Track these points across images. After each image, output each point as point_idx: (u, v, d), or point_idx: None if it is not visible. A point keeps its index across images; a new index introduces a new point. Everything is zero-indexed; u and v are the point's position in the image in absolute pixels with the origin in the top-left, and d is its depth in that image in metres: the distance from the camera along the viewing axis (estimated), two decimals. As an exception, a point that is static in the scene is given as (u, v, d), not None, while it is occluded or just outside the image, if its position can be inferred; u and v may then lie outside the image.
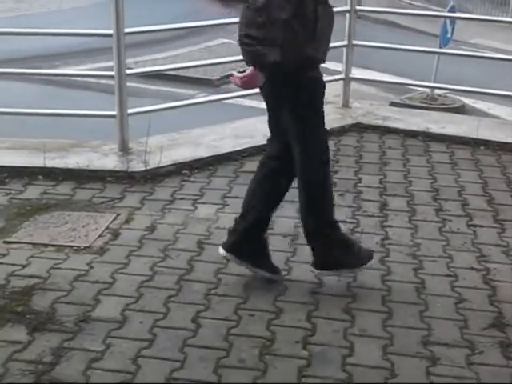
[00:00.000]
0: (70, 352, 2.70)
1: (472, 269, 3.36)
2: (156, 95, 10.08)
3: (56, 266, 3.32)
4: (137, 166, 4.40)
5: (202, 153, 4.64)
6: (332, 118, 5.31)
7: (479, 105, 10.61)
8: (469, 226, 3.79)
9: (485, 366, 2.68)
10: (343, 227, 3.70)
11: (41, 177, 4.30)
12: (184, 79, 11.05)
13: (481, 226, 3.78)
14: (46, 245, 3.52)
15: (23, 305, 2.99)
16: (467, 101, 10.67)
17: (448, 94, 10.71)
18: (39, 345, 2.74)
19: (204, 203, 4.01)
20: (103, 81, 10.01)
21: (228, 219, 3.79)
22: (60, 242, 3.55)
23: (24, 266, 3.31)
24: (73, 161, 4.47)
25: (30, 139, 4.89)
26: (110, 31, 4.42)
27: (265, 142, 4.80)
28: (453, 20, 9.94)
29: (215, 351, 2.73)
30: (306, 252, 3.45)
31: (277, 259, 3.38)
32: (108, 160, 4.51)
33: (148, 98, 8.86)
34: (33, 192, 4.12)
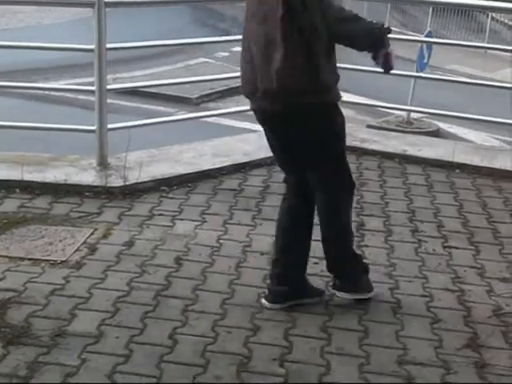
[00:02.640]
0: (45, 366, 2.68)
1: (447, 290, 3.40)
2: (135, 112, 10.09)
3: (32, 280, 3.29)
4: (115, 182, 4.39)
5: (181, 169, 4.64)
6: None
7: (454, 129, 10.79)
8: (444, 247, 3.84)
9: (459, 386, 2.70)
10: (321, 247, 3.73)
11: (18, 190, 4.27)
12: (163, 97, 11.09)
13: (456, 248, 3.83)
14: (22, 258, 3.49)
15: (-2, 318, 2.96)
16: (442, 125, 10.85)
17: (424, 119, 10.88)
18: (14, 358, 2.71)
19: (182, 219, 4.01)
20: (82, 96, 10.01)
21: (206, 236, 3.81)
22: (36, 256, 3.52)
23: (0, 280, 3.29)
24: (51, 175, 4.44)
25: (8, 152, 4.86)
26: (92, 46, 4.43)
27: (244, 160, 4.88)
28: (429, 46, 10.12)
29: (192, 368, 2.72)
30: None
31: (254, 276, 3.40)
32: (86, 175, 4.50)
33: (127, 115, 8.87)
34: (10, 205, 4.09)
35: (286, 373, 2.72)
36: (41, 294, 3.16)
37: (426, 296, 3.32)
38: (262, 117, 3.09)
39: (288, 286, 3.15)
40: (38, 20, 17.72)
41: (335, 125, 3.07)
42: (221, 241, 3.77)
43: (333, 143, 3.09)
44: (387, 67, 3.03)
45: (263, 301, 3.18)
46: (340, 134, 3.11)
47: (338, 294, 3.24)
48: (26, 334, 2.86)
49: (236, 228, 3.92)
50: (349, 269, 3.25)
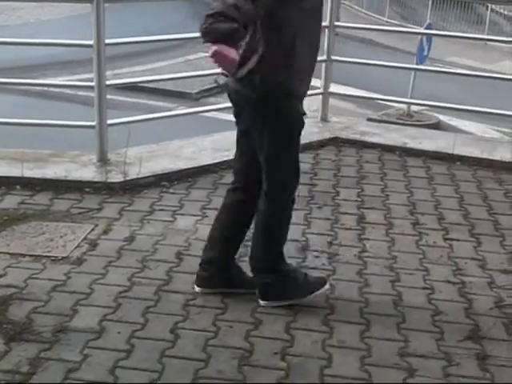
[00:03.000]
0: (47, 362, 2.68)
1: (448, 282, 3.40)
2: (135, 108, 10.09)
3: (33, 276, 3.29)
4: (115, 177, 4.39)
5: (181, 165, 4.64)
6: (311, 131, 5.34)
7: (454, 122, 10.78)
8: (445, 239, 3.83)
9: (461, 378, 2.70)
10: (322, 240, 3.74)
11: (18, 187, 4.27)
12: (163, 92, 11.09)
13: (457, 240, 3.82)
14: (23, 255, 3.49)
15: (0, 314, 2.95)
16: (443, 118, 10.84)
17: (424, 111, 10.87)
18: (16, 355, 2.71)
19: (183, 214, 4.01)
20: (82, 93, 10.01)
21: (207, 230, 3.77)
22: (37, 252, 3.52)
23: (1, 276, 3.28)
24: (51, 171, 4.45)
25: (8, 149, 4.86)
26: (91, 41, 4.42)
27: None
28: (429, 38, 10.11)
29: (193, 362, 2.72)
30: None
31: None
32: (87, 170, 4.50)
33: (127, 111, 8.86)
34: (10, 202, 4.09)
35: (288, 366, 2.72)
36: (42, 290, 3.17)
37: (427, 288, 3.32)
38: None
39: (212, 270, 3.18)
40: (37, 16, 17.71)
41: None
42: (221, 235, 3.76)
43: None
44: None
45: (195, 286, 3.22)
46: None
47: None
48: (27, 331, 2.86)
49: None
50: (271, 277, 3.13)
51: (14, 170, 4.39)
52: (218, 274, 3.19)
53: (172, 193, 4.31)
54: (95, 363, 2.69)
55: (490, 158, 4.98)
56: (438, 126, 10.33)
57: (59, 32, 12.48)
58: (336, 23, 5.60)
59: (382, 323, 3.03)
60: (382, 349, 2.85)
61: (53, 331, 2.86)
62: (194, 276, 3.31)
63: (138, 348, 2.79)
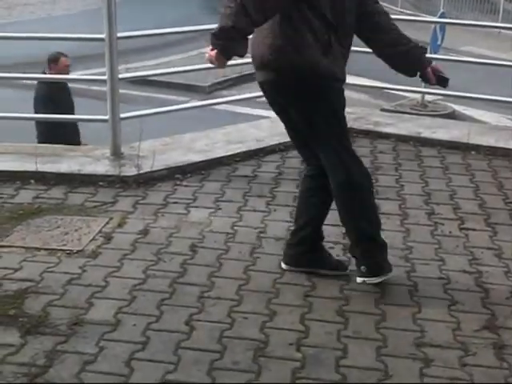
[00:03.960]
0: (63, 355, 2.69)
1: (464, 272, 3.37)
2: (147, 102, 10.10)
3: (49, 270, 3.30)
4: (129, 171, 4.39)
5: (195, 157, 4.64)
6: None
7: (469, 111, 10.70)
8: (461, 229, 3.81)
9: (478, 368, 2.68)
10: (336, 231, 3.73)
11: (33, 181, 4.29)
12: (175, 86, 11.10)
13: (473, 230, 3.80)
14: (38, 248, 3.51)
15: (16, 308, 2.97)
16: (457, 107, 10.76)
17: (438, 101, 10.80)
18: (32, 348, 2.72)
19: (197, 207, 4.01)
20: (95, 87, 10.03)
21: (221, 223, 3.81)
22: (52, 246, 3.54)
23: (16, 270, 3.30)
24: (65, 165, 4.46)
25: (22, 144, 4.89)
26: (103, 35, 4.42)
27: (257, 147, 4.87)
28: (442, 27, 10.03)
29: (209, 353, 2.72)
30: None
31: (269, 262, 3.40)
32: (100, 164, 4.51)
33: (139, 105, 8.88)
34: (25, 196, 4.11)
35: (303, 357, 2.71)
36: (58, 284, 3.18)
37: (442, 278, 3.30)
38: None
39: (298, 249, 3.30)
40: (49, 12, 17.76)
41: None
42: (235, 227, 3.76)
43: None
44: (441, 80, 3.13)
45: (281, 263, 3.35)
46: None
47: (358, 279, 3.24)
48: (43, 324, 2.87)
49: (250, 214, 3.91)
50: (364, 253, 3.22)
51: (28, 165, 4.40)
52: (306, 253, 3.29)
53: (185, 185, 4.31)
54: (111, 355, 2.70)
55: (506, 146, 4.94)
56: (452, 115, 10.26)
57: (72, 27, 12.51)
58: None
59: (398, 313, 3.02)
60: (398, 339, 2.84)
61: (68, 324, 2.87)
62: (208, 268, 3.31)
63: (153, 340, 2.80)
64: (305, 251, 3.30)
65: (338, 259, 3.41)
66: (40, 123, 6.01)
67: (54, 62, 6.42)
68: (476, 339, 2.85)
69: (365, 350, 2.76)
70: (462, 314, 3.02)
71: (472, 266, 3.42)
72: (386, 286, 3.21)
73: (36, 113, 6.08)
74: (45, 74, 6.46)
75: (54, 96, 6.12)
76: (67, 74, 6.41)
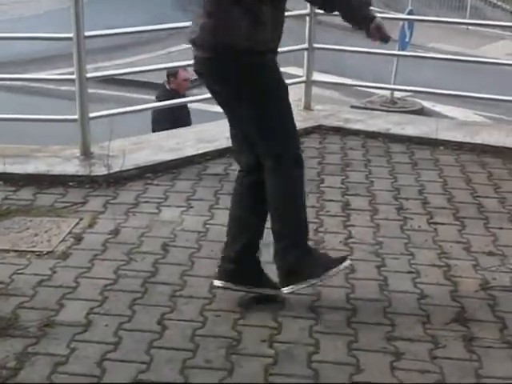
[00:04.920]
0: (35, 357, 2.67)
1: (433, 265, 3.42)
2: (117, 101, 10.04)
3: (18, 272, 3.27)
4: (99, 170, 4.37)
5: (165, 156, 4.63)
6: (294, 120, 5.33)
7: (438, 108, 10.83)
8: (430, 223, 3.85)
9: (448, 360, 2.72)
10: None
11: (1, 182, 4.24)
12: (146, 85, 11.02)
13: (441, 224, 3.84)
14: (7, 250, 3.47)
15: (-15, 311, 2.94)
16: (426, 104, 10.88)
17: (407, 98, 10.90)
18: (2, 350, 2.70)
19: (168, 206, 4.00)
20: (64, 87, 9.94)
21: (192, 221, 3.80)
22: (22, 248, 3.50)
23: (-15, 273, 3.27)
24: (33, 166, 4.42)
25: (-11, 145, 4.83)
26: (70, 34, 4.39)
27: (228, 145, 4.85)
28: (411, 24, 10.13)
29: (181, 352, 2.72)
30: (270, 252, 3.47)
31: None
32: (70, 164, 4.48)
33: (109, 104, 8.83)
34: (-7, 198, 4.07)
35: (276, 353, 2.72)
36: (28, 285, 3.15)
37: (412, 272, 3.34)
38: None
39: (236, 264, 3.00)
40: (21, 12, 17.54)
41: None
42: (207, 226, 3.76)
43: None
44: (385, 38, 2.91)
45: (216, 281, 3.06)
46: None
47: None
48: (13, 326, 2.84)
49: (222, 212, 3.90)
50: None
51: (-5, 166, 4.35)
52: (242, 269, 3.01)
53: (156, 184, 4.30)
54: (83, 356, 2.68)
55: (473, 141, 5.01)
56: (421, 112, 10.37)
57: (43, 27, 12.38)
58: (317, 11, 5.59)
59: (369, 308, 3.04)
60: (369, 333, 2.87)
61: (39, 326, 2.85)
62: (180, 267, 3.31)
63: (125, 340, 2.79)
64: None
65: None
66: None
67: (173, 75, 6.66)
68: (446, 332, 2.88)
69: (336, 345, 2.79)
70: (432, 307, 3.06)
71: (441, 260, 3.46)
72: (356, 282, 3.24)
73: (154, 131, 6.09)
74: (165, 87, 6.53)
75: (173, 116, 6.14)
76: (186, 88, 6.50)
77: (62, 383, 2.54)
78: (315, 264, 2.97)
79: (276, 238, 3.01)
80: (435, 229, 3.79)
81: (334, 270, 3.00)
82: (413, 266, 3.40)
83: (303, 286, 2.95)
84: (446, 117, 9.84)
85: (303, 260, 2.95)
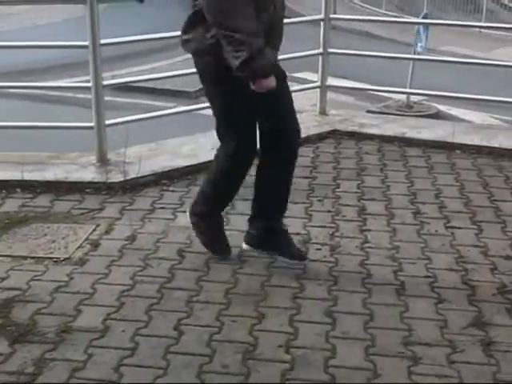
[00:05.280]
0: (52, 362, 2.68)
1: (451, 269, 3.40)
2: (134, 109, 10.07)
3: (36, 278, 3.30)
4: (115, 177, 4.39)
5: (181, 162, 4.64)
6: (309, 125, 5.35)
7: (454, 111, 10.75)
8: (447, 227, 3.83)
9: (466, 365, 2.70)
10: (323, 232, 3.74)
11: (19, 190, 4.28)
12: (162, 92, 11.08)
13: (458, 228, 3.82)
14: (25, 257, 3.50)
15: (3, 317, 2.96)
16: (442, 108, 10.81)
17: (423, 102, 10.85)
18: (20, 356, 2.72)
19: (184, 212, 3.98)
20: (80, 95, 10.00)
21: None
22: (39, 254, 3.53)
23: (3, 279, 3.29)
24: (51, 173, 4.45)
25: (7, 152, 4.87)
26: (86, 42, 4.42)
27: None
28: (426, 29, 10.08)
29: (198, 357, 2.72)
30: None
31: (257, 265, 3.41)
32: (86, 171, 4.50)
33: (126, 112, 8.86)
34: (11, 205, 4.10)
35: (292, 358, 2.72)
36: (45, 292, 3.17)
37: (429, 277, 3.32)
38: None
39: (257, 229, 3.41)
40: (34, 21, 17.69)
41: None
42: (222, 231, 3.76)
43: None
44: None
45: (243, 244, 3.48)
46: None
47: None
48: (31, 332, 2.86)
49: (238, 218, 3.91)
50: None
51: (13, 174, 4.39)
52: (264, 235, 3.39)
53: (172, 191, 4.31)
54: (100, 362, 2.70)
55: (490, 145, 4.98)
56: (437, 116, 10.30)
57: (57, 35, 12.48)
58: (331, 15, 5.60)
59: (386, 313, 3.03)
60: (386, 338, 2.85)
61: (57, 332, 2.87)
62: (196, 273, 3.32)
63: (142, 345, 2.80)
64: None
65: (298, 248, 3.48)
66: None
67: None
68: (463, 336, 2.87)
69: (353, 350, 2.78)
70: (450, 311, 3.04)
71: (458, 264, 3.44)
72: (373, 286, 3.22)
73: None
74: None
75: None
76: None
77: (80, 389, 2.56)
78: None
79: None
80: (452, 233, 3.76)
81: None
82: (430, 270, 3.38)
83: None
84: (462, 120, 9.76)
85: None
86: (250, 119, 3.24)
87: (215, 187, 3.42)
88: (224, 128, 3.29)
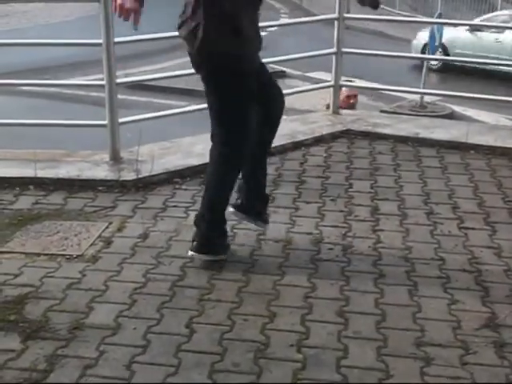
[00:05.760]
0: (64, 359, 2.69)
1: (464, 270, 3.37)
2: (146, 107, 10.11)
3: (49, 275, 3.31)
4: (128, 175, 4.40)
5: (194, 161, 4.64)
6: (322, 124, 5.34)
7: (468, 112, 10.72)
8: (460, 228, 3.81)
9: (479, 366, 2.68)
10: (336, 232, 3.73)
11: (32, 187, 4.29)
12: (175, 91, 11.11)
13: (472, 229, 3.80)
14: (38, 254, 3.51)
15: (16, 313, 2.97)
16: (456, 108, 10.77)
17: (437, 102, 10.82)
18: (33, 353, 2.72)
19: (196, 210, 3.98)
20: (94, 93, 10.05)
21: (220, 226, 3.80)
22: (52, 251, 3.54)
23: (16, 276, 3.30)
24: (64, 170, 4.47)
25: (21, 150, 4.89)
26: (100, 40, 4.43)
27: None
28: (440, 28, 10.05)
29: (209, 356, 2.72)
30: (298, 257, 3.47)
31: (268, 264, 3.40)
32: (99, 169, 4.52)
33: (139, 110, 8.89)
34: (24, 202, 4.12)
35: (304, 358, 2.71)
36: (58, 289, 3.18)
37: (442, 278, 3.30)
38: None
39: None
40: (47, 19, 17.77)
41: None
42: (235, 230, 3.76)
43: None
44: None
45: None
46: None
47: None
48: (44, 329, 2.87)
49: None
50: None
51: (27, 171, 4.41)
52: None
53: (185, 189, 4.31)
54: (112, 359, 2.70)
55: (504, 145, 4.95)
56: (451, 116, 10.28)
57: (70, 33, 12.55)
58: (345, 15, 5.58)
59: (398, 313, 3.01)
60: (399, 339, 2.84)
61: (69, 328, 2.88)
62: (208, 271, 3.32)
63: (154, 343, 2.80)
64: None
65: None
66: None
67: None
68: (476, 338, 2.84)
69: (365, 350, 2.76)
70: (463, 312, 3.02)
71: (472, 265, 3.42)
72: (385, 287, 3.21)
73: None
74: None
75: None
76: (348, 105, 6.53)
77: (92, 386, 2.56)
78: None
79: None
80: (466, 234, 3.74)
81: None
82: (443, 271, 3.36)
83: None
84: (476, 121, 9.73)
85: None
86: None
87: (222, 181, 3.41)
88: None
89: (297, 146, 4.99)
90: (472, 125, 5.80)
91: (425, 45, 15.11)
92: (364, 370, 2.65)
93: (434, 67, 12.84)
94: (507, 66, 9.13)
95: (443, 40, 10.56)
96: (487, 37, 13.25)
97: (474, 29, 13.32)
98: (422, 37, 12.55)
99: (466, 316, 2.99)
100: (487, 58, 10.84)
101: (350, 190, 4.31)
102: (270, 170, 4.56)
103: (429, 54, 9.62)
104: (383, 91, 10.58)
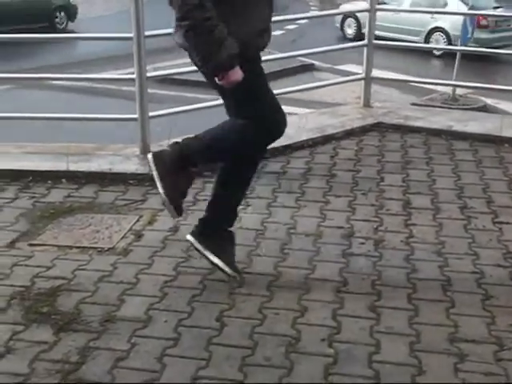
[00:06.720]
0: (96, 351, 2.71)
1: (498, 266, 3.32)
2: (177, 101, 10.12)
3: (80, 268, 3.33)
4: (159, 169, 4.40)
5: (224, 154, 4.62)
6: (353, 117, 5.29)
7: (502, 105, 10.54)
8: (494, 223, 3.74)
9: (514, 363, 2.64)
10: (367, 226, 3.70)
11: (64, 180, 4.33)
12: (204, 84, 11.10)
13: (507, 223, 3.73)
14: (70, 247, 3.54)
15: (49, 306, 3.00)
16: (490, 101, 10.60)
17: (469, 95, 10.66)
18: (65, 345, 2.74)
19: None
20: (125, 88, 10.09)
21: (250, 218, 3.80)
22: (84, 244, 3.56)
23: (49, 268, 3.33)
24: (95, 164, 4.50)
25: (53, 143, 4.94)
26: (131, 34, 4.44)
27: (285, 143, 4.84)
28: (473, 20, 9.89)
29: (240, 349, 2.71)
30: (329, 251, 3.45)
31: (299, 258, 3.38)
32: (130, 163, 4.53)
33: (169, 104, 8.91)
34: (56, 195, 4.15)
35: (336, 353, 2.69)
36: (89, 281, 3.20)
37: (476, 273, 3.25)
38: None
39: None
40: (85, 13, 17.86)
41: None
42: (265, 224, 3.75)
43: None
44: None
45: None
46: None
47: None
48: (76, 321, 2.89)
49: (280, 210, 3.90)
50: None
51: (59, 164, 4.45)
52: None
53: (215, 182, 4.30)
54: (143, 351, 2.71)
55: (539, 139, 4.85)
56: (484, 109, 10.11)
57: (108, 27, 12.64)
58: (377, 6, 5.52)
59: (431, 309, 2.97)
60: (432, 334, 2.80)
61: (100, 321, 2.89)
62: (238, 265, 3.31)
63: (184, 336, 2.80)
64: None
65: None
66: None
67: None
68: (511, 334, 2.79)
69: (398, 346, 2.73)
70: (497, 308, 2.97)
71: (506, 260, 3.36)
72: (418, 282, 3.17)
73: None
74: None
75: None
76: None
77: (123, 378, 2.57)
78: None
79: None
80: (500, 228, 3.68)
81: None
82: (477, 266, 3.31)
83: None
84: (510, 114, 9.57)
85: None
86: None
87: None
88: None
89: (327, 139, 4.95)
90: (506, 117, 5.71)
91: (344, 17, 16.31)
92: (396, 366, 2.62)
93: (438, 53, 12.66)
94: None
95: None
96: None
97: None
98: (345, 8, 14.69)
99: (500, 312, 2.94)
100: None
101: (382, 183, 4.26)
102: (300, 164, 4.56)
103: (461, 45, 9.47)
104: (414, 83, 10.46)
